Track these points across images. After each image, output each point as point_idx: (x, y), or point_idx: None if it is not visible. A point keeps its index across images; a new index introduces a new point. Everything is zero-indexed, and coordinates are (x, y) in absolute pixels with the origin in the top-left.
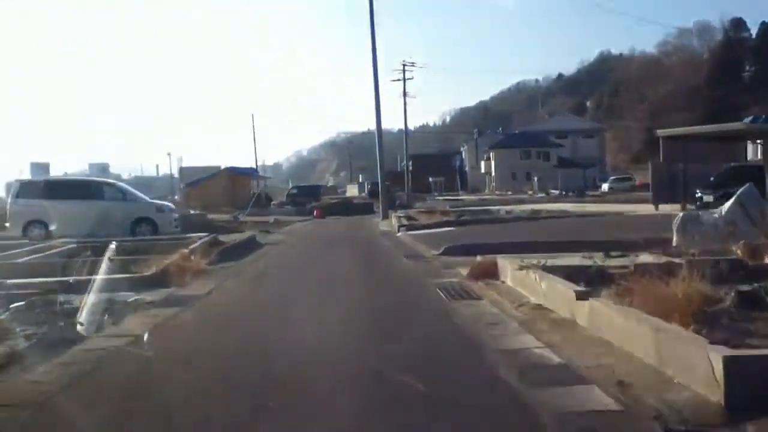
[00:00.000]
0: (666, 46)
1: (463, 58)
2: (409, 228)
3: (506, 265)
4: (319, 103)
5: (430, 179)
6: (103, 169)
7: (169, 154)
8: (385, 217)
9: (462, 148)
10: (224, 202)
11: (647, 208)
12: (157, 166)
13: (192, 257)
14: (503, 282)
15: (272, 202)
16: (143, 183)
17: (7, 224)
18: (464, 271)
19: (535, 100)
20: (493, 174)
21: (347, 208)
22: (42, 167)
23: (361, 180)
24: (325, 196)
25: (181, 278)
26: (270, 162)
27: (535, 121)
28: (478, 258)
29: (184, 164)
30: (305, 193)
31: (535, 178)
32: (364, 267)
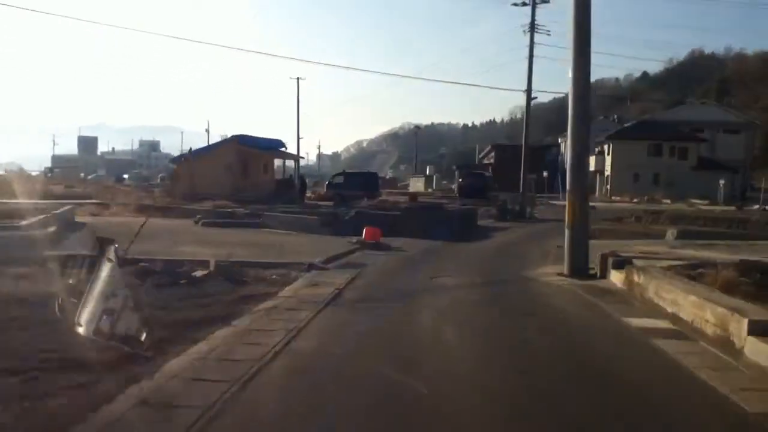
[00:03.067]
0: None
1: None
2: None
3: None
4: (383, 92)
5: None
6: (153, 147)
7: (207, 131)
8: (590, 271)
9: (560, 140)
10: (230, 187)
11: None
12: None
13: None
14: None
15: (306, 194)
16: None
17: None
18: None
19: (616, 100)
20: (607, 173)
21: (430, 217)
22: (89, 141)
23: (429, 173)
24: (384, 189)
25: None
26: (328, 151)
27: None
28: None
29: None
30: (355, 185)
31: (721, 182)
32: None
